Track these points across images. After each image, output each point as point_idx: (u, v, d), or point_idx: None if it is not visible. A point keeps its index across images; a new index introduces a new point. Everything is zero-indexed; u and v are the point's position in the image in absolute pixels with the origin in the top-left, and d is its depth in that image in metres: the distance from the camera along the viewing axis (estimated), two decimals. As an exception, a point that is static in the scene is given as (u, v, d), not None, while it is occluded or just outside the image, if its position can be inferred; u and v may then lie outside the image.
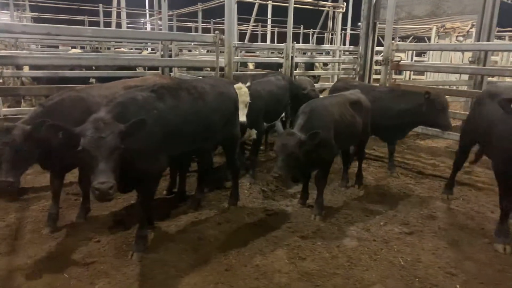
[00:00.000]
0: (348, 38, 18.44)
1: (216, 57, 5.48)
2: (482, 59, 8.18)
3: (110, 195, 2.39)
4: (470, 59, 8.28)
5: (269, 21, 19.33)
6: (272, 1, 13.33)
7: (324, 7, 13.81)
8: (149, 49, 14.68)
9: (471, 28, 14.72)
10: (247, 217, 3.79)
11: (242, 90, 4.53)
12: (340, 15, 14.60)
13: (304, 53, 12.98)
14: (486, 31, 8.03)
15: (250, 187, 4.57)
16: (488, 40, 8.00)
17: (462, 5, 8.11)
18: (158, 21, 15.85)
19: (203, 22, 16.14)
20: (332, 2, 14.60)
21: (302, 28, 22.60)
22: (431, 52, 14.84)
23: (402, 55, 16.50)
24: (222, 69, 5.51)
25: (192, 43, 8.09)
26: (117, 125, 2.54)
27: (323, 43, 21.99)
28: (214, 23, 19.10)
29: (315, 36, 23.00)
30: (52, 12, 16.29)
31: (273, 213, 3.89)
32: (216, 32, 5.41)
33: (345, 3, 14.32)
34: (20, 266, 2.86)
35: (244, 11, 16.94)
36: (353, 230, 3.48)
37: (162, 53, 7.24)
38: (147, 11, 22.02)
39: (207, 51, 14.02)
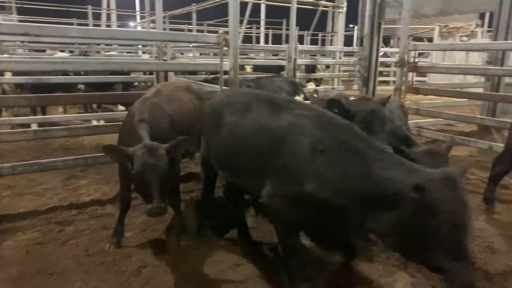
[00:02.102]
0: (342, 39, 17.93)
1: (220, 60, 4.85)
2: (500, 59, 7.69)
3: None
4: (488, 59, 7.79)
5: (262, 23, 18.74)
6: (267, 1, 12.73)
7: (326, 7, 13.26)
8: (140, 52, 14.01)
9: (475, 27, 14.37)
10: None
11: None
12: (340, 15, 14.11)
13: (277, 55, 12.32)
14: (504, 29, 7.53)
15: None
16: (506, 39, 7.50)
17: (476, 2, 7.56)
18: (150, 24, 15.19)
19: (196, 24, 15.51)
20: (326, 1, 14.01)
21: (297, 29, 21.94)
22: (434, 52, 14.47)
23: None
24: (225, 72, 4.91)
25: (191, 45, 7.46)
26: None
27: (317, 45, 21.49)
28: (208, 25, 18.46)
29: (308, 37, 22.48)
30: (41, 15, 15.51)
31: None
32: (220, 32, 4.78)
33: (345, 3, 13.83)
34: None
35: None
36: None
37: (156, 56, 6.62)
38: (137, 12, 21.28)
39: (200, 54, 13.39)
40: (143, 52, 13.79)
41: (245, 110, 2.70)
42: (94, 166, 4.82)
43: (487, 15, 16.38)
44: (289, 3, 9.57)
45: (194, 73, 7.61)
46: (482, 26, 15.13)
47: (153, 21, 13.84)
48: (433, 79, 13.58)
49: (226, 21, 16.58)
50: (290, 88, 5.26)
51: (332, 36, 15.52)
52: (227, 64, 4.87)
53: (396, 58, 16.83)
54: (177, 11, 14.00)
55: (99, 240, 3.30)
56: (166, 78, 6.91)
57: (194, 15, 13.78)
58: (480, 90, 8.09)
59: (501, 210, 3.95)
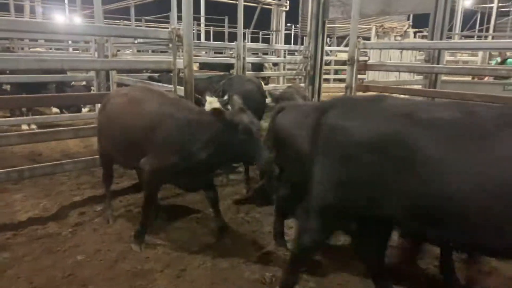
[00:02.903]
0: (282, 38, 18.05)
1: (173, 57, 4.48)
2: (436, 58, 8.16)
3: None
4: (426, 58, 8.24)
5: (202, 19, 18.24)
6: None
7: (269, 4, 13.24)
8: (71, 49, 12.92)
9: (407, 28, 15.27)
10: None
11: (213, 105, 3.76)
12: (284, 13, 14.22)
13: (221, 53, 12.04)
14: (439, 29, 7.99)
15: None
16: (441, 38, 7.97)
17: (413, 3, 7.98)
18: (83, 19, 14.00)
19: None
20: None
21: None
22: (371, 51, 15.14)
23: (343, 54, 16.64)
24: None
25: (136, 42, 6.90)
26: None
27: (258, 43, 21.50)
28: (146, 21, 17.55)
29: (249, 35, 22.36)
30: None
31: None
32: (173, 26, 4.42)
33: (288, 1, 13.95)
34: None
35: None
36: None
37: (96, 53, 6.02)
38: (66, 5, 19.57)
39: (138, 51, 12.64)
40: (74, 49, 12.73)
41: (477, 137, 1.76)
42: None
43: (410, 16, 17.65)
44: (235, 0, 9.39)
45: (138, 71, 7.07)
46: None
47: (87, 16, 12.82)
48: (371, 76, 14.23)
49: (166, 17, 15.79)
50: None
51: (273, 34, 15.54)
52: (180, 62, 4.53)
53: (336, 57, 17.33)
54: (112, 6, 13.08)
55: (44, 267, 2.82)
56: (107, 77, 6.35)
57: (132, 10, 12.98)
58: (419, 86, 8.54)
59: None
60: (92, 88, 7.15)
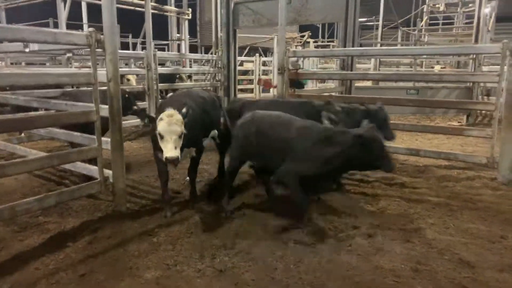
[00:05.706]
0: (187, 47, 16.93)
1: (93, 68, 3.51)
2: (350, 65, 8.43)
3: None
4: (341, 65, 8.44)
5: (85, 27, 15.88)
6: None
7: (166, 11, 12.35)
8: None
9: (307, 38, 15.92)
10: None
11: (174, 118, 3.31)
12: (187, 22, 13.51)
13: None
14: (350, 38, 8.26)
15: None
16: (353, 46, 8.24)
17: (324, 13, 8.16)
18: None
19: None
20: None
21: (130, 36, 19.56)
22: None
23: (248, 64, 16.58)
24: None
25: (26, 49, 5.36)
26: None
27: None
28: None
29: (139, 45, 20.59)
30: None
31: None
32: (90, 29, 3.45)
33: (190, 9, 13.28)
34: None
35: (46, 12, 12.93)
36: None
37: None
38: None
39: (11, 64, 10.53)
40: None
41: None
42: None
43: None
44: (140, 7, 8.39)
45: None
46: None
47: None
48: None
49: (45, 24, 13.60)
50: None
51: (172, 44, 14.54)
52: (103, 74, 3.57)
53: (243, 66, 17.12)
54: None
55: None
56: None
57: (2, 14, 10.75)
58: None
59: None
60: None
